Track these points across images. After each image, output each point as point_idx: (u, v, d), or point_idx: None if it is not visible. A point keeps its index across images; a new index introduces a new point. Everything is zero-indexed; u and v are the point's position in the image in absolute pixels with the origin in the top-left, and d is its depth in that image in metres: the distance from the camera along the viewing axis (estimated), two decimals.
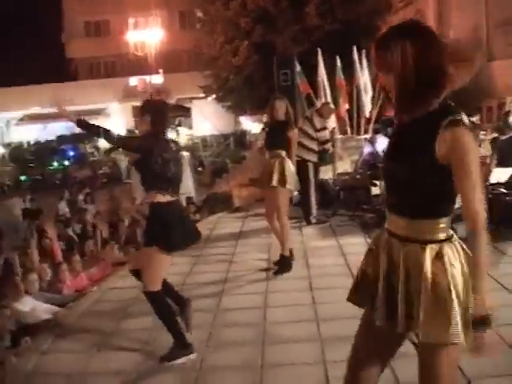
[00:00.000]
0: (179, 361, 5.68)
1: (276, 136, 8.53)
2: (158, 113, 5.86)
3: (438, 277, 2.90)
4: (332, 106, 12.96)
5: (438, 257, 2.94)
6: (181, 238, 5.76)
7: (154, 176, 5.65)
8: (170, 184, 5.74)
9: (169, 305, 5.92)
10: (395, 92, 2.97)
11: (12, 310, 7.41)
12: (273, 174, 8.31)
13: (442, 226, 2.99)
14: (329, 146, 11.81)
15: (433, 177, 2.91)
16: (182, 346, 5.75)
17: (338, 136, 15.21)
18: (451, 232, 3.04)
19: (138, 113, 5.92)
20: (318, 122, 11.55)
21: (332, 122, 14.38)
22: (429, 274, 2.91)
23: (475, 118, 16.76)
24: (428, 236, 2.98)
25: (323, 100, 15.15)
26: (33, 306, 7.83)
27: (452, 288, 2.89)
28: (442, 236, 2.98)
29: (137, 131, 6.02)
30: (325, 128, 11.75)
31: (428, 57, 2.87)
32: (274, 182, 8.28)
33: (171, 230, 5.66)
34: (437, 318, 2.90)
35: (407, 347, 5.38)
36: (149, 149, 5.60)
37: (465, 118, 2.93)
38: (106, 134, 5.61)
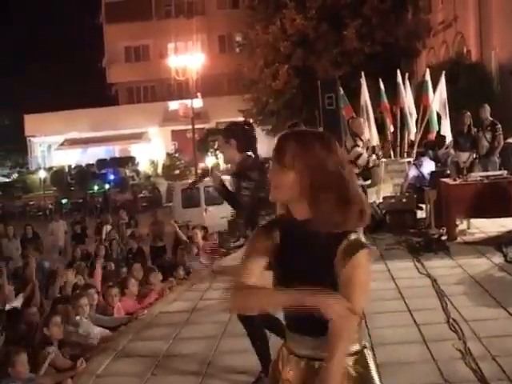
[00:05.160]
0: None
1: None
2: (243, 135, 5.60)
3: None
4: (361, 119, 13.03)
5: None
6: None
7: (260, 202, 5.35)
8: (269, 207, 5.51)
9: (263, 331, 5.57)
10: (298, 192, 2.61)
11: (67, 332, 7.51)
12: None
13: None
14: (362, 159, 11.78)
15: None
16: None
17: (382, 159, 15.18)
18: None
19: (220, 140, 5.68)
20: (348, 143, 11.70)
21: (366, 134, 14.29)
22: None
23: None
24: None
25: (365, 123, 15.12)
26: (86, 328, 7.90)
27: None
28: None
29: (221, 157, 5.71)
30: (355, 146, 11.79)
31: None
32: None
33: None
34: None
35: (466, 373, 5.35)
36: (259, 184, 5.37)
37: (360, 237, 2.60)
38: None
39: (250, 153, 5.64)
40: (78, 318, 8.01)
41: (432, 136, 15.33)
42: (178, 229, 15.13)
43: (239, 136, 5.54)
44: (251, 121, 33.84)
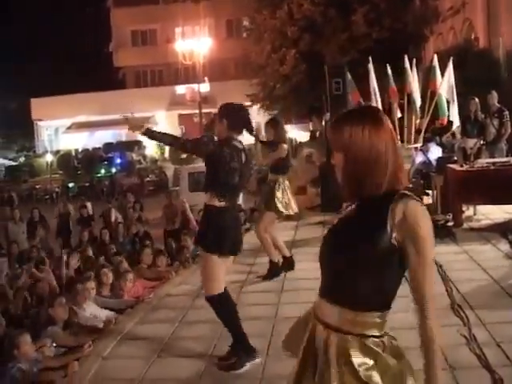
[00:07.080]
0: (244, 368, 5.65)
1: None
2: (235, 116, 5.88)
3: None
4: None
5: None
6: (231, 243, 5.84)
7: (217, 181, 5.73)
8: (229, 192, 5.80)
9: (233, 307, 5.91)
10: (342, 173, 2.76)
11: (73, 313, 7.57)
12: (264, 197, 8.95)
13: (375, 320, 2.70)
14: None
15: (378, 262, 2.61)
16: (244, 351, 5.72)
17: None
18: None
19: (216, 116, 5.96)
20: None
21: None
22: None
23: None
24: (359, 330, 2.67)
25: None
26: (93, 311, 7.95)
27: None
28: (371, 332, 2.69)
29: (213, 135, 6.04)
30: None
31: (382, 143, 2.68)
32: (263, 205, 8.99)
33: (222, 234, 5.72)
34: None
35: (471, 359, 5.37)
36: (218, 157, 5.67)
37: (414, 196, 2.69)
38: (174, 140, 5.83)
39: (242, 133, 5.99)
40: (84, 300, 8.06)
41: (443, 121, 15.27)
42: (188, 210, 15.12)
43: (231, 117, 5.85)
44: (258, 105, 33.84)
